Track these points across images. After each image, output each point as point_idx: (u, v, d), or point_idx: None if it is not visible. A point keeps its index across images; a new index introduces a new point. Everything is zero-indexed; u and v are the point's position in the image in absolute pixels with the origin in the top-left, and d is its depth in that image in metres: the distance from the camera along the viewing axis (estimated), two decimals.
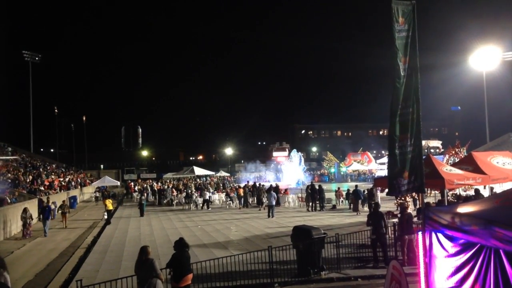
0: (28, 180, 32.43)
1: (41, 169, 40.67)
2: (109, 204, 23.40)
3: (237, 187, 34.65)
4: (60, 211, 23.58)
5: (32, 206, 23.48)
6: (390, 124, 6.23)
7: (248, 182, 38.48)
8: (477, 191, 15.05)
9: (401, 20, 6.17)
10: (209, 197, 30.00)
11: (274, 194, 23.68)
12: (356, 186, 24.48)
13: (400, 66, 6.14)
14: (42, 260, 14.44)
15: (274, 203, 23.11)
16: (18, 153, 44.72)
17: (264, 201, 26.96)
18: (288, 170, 57.16)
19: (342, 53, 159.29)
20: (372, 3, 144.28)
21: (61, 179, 40.19)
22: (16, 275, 12.02)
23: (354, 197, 23.69)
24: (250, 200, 29.70)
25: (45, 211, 20.27)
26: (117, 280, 8.52)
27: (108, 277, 9.97)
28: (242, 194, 29.12)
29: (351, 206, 24.17)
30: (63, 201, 25.21)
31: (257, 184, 33.07)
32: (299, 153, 58.81)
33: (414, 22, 6.22)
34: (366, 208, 23.71)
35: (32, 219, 20.37)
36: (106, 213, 23.32)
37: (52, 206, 24.06)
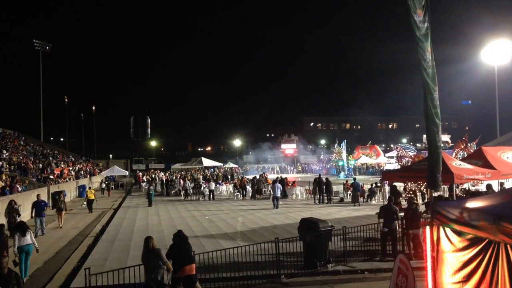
0: (38, 169, 32.75)
1: (51, 158, 41.04)
2: (91, 194, 24.50)
3: (240, 178, 34.75)
4: (59, 205, 19.26)
5: (43, 195, 23.66)
6: (429, 116, 6.10)
7: (264, 173, 39.03)
8: (489, 186, 14.85)
9: (419, 11, 6.11)
10: (203, 186, 30.71)
11: (279, 185, 23.89)
12: (354, 179, 24.51)
13: (427, 57, 6.08)
14: (51, 248, 14.61)
15: (278, 194, 23.27)
16: (28, 142, 45.19)
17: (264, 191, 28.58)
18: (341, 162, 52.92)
19: (352, 46, 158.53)
20: None
21: (71, 168, 40.54)
22: None
23: (352, 189, 24.03)
24: None
25: (39, 207, 17.02)
26: (124, 268, 8.61)
27: (116, 265, 10.08)
28: (243, 185, 29.79)
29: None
30: (58, 195, 21.56)
31: (261, 176, 33.33)
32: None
33: (428, 13, 6.17)
34: (373, 202, 23.70)
35: (19, 215, 16.21)
36: (86, 202, 24.63)
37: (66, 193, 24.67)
